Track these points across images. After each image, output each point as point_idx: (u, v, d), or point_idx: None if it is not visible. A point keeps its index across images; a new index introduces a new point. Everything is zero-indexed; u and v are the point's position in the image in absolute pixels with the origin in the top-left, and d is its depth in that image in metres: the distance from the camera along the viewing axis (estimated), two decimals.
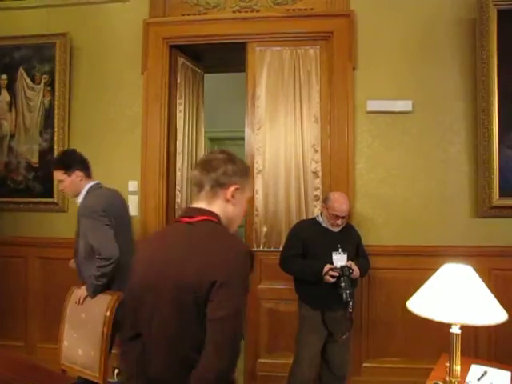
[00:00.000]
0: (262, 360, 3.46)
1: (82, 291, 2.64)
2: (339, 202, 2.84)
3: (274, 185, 3.48)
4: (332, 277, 2.70)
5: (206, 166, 1.54)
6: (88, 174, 2.86)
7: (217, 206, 1.52)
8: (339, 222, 2.86)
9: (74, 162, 2.80)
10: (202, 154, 4.27)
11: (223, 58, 4.12)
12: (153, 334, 1.46)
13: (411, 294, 2.01)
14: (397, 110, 3.33)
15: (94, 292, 2.61)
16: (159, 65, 3.59)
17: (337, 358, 2.96)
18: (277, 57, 3.51)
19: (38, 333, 3.74)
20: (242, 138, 3.63)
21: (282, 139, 3.48)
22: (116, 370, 2.18)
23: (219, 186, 1.51)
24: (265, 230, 3.48)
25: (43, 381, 1.74)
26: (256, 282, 3.44)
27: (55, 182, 3.55)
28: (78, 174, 2.78)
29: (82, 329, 2.55)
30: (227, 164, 1.53)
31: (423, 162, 3.34)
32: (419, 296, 1.97)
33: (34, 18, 3.80)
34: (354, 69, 3.37)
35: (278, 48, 3.51)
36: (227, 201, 1.52)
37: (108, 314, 2.48)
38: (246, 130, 3.55)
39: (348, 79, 3.36)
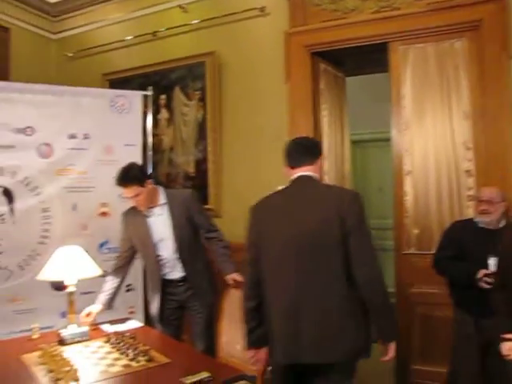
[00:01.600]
0: (415, 367, 3.36)
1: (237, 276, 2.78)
2: (484, 188, 2.81)
3: (424, 185, 3.36)
4: (487, 283, 2.52)
5: None
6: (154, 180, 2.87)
7: None
8: (484, 207, 2.68)
9: (142, 173, 2.80)
10: (347, 157, 4.27)
11: (363, 60, 4.10)
12: None
13: None
14: None
15: None
16: (302, 73, 3.70)
17: (500, 373, 2.65)
18: (420, 54, 3.40)
19: None
20: (385, 139, 3.59)
21: (430, 138, 3.36)
22: (269, 367, 2.30)
23: None
24: (416, 231, 3.37)
25: (215, 370, 1.94)
26: (408, 286, 3.37)
27: (209, 190, 3.89)
28: (149, 183, 2.76)
29: (240, 324, 2.72)
30: None
31: None
32: None
33: (185, 41, 4.20)
34: (510, 57, 3.11)
35: (422, 45, 3.39)
36: None
37: None
38: (393, 130, 3.48)
39: (503, 69, 3.10)
